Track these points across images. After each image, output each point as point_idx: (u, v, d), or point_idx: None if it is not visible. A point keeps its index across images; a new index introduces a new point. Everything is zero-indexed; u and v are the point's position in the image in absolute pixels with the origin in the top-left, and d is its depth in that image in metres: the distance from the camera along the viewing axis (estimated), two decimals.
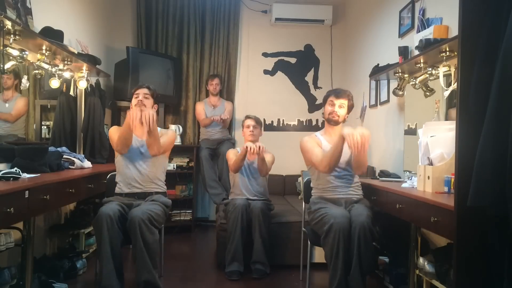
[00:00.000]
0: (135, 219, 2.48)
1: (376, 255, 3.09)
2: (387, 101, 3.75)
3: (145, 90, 2.84)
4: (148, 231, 2.50)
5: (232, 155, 3.47)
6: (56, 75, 3.04)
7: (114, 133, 2.84)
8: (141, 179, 2.83)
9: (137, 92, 2.85)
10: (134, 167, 2.82)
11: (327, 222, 2.45)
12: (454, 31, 2.52)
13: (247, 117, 3.57)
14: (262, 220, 3.20)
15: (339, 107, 2.79)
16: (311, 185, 2.92)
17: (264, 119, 5.16)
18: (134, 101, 2.84)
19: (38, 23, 2.92)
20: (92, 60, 3.60)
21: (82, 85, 3.58)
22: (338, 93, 2.81)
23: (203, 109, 4.79)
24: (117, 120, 4.69)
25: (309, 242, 2.84)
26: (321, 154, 2.71)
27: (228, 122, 4.86)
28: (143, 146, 2.84)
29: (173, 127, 4.78)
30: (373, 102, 4.12)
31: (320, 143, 2.82)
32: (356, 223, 2.42)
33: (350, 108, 2.83)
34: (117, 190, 2.85)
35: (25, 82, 2.77)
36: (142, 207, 2.60)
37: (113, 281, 2.43)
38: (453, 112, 2.52)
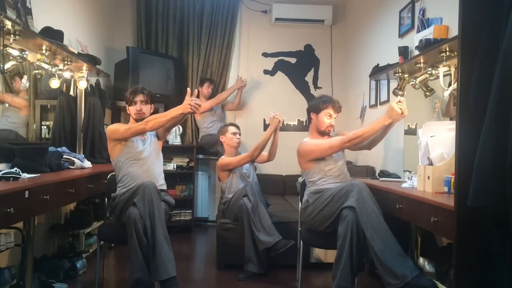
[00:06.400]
0: None
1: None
2: (387, 101, 3.75)
3: (142, 97, 2.78)
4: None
5: (228, 160, 3.45)
6: (56, 75, 3.04)
7: (120, 125, 2.81)
8: (146, 176, 2.76)
9: (134, 100, 2.78)
10: (139, 165, 2.76)
11: (342, 190, 2.46)
12: (454, 31, 2.52)
13: (232, 124, 3.62)
14: (252, 216, 3.19)
15: (334, 119, 2.81)
16: (311, 179, 2.85)
17: (264, 119, 5.17)
18: (133, 109, 2.79)
19: (38, 23, 2.92)
20: (92, 60, 3.61)
21: (82, 85, 3.58)
22: (337, 107, 2.81)
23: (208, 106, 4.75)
24: (117, 120, 4.68)
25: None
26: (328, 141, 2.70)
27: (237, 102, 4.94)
28: (145, 144, 2.82)
29: None
30: (373, 102, 4.12)
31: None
32: (354, 186, 2.42)
33: None
34: (123, 190, 2.72)
35: (25, 82, 2.77)
36: None
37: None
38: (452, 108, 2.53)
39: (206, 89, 4.79)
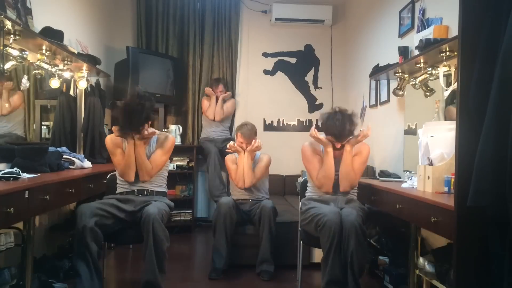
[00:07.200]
0: (151, 217, 2.46)
1: (376, 255, 3.09)
2: (387, 101, 3.75)
3: None
4: (162, 231, 2.50)
5: (230, 163, 3.45)
6: (56, 75, 3.04)
7: (112, 149, 2.76)
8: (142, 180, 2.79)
9: None
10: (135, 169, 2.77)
11: (320, 220, 2.48)
12: (454, 31, 2.52)
13: (239, 129, 3.44)
14: (273, 218, 3.22)
15: None
16: (308, 184, 2.93)
17: (264, 119, 5.17)
18: None
19: (38, 23, 2.92)
20: (92, 60, 3.61)
21: (82, 85, 3.58)
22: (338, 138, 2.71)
23: (209, 103, 4.78)
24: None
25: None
26: (318, 166, 2.79)
27: (229, 116, 4.88)
28: (146, 150, 2.79)
29: (173, 127, 4.78)
30: (373, 102, 4.12)
31: (320, 152, 2.84)
32: (347, 223, 2.43)
33: None
34: (119, 190, 2.79)
35: (25, 82, 2.76)
36: (157, 204, 2.59)
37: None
38: (452, 109, 2.52)
39: (216, 88, 4.79)
